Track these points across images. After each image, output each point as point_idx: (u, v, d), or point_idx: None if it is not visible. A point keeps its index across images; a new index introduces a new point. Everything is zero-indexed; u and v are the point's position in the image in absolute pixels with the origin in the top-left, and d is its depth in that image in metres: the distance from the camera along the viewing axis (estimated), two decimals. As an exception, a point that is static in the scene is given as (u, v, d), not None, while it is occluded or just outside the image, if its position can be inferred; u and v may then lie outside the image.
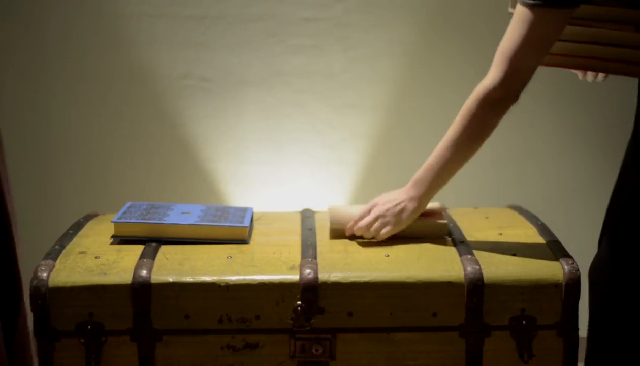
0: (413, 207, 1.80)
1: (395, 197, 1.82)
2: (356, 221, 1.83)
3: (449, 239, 1.85)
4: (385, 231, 1.80)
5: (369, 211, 1.83)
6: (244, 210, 1.96)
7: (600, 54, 1.73)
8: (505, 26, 1.71)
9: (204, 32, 2.50)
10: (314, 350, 1.71)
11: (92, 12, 2.48)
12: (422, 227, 1.85)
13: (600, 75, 1.81)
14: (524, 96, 2.63)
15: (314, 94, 2.53)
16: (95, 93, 2.54)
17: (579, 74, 1.84)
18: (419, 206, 1.80)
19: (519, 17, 1.64)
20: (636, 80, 1.78)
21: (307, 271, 1.70)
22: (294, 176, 2.55)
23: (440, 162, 1.78)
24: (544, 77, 2.52)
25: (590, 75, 1.82)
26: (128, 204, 1.96)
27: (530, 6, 1.62)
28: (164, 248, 1.80)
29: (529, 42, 1.64)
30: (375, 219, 1.81)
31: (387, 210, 1.81)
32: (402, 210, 1.80)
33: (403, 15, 2.49)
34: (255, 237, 1.89)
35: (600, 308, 1.76)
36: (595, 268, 1.79)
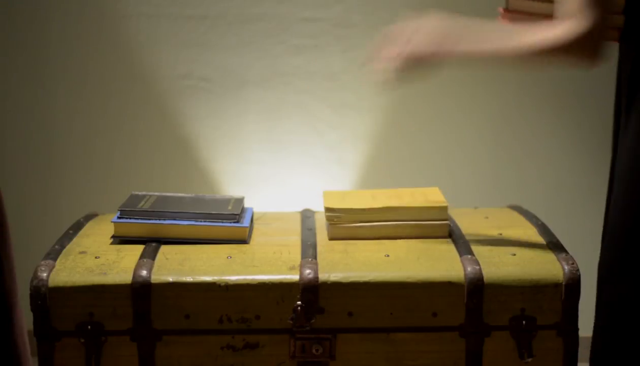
0: (432, 55, 1.65)
1: (425, 22, 1.69)
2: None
3: (449, 239, 1.85)
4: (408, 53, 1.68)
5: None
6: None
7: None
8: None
9: (204, 32, 2.50)
10: (314, 350, 1.71)
11: (92, 13, 2.49)
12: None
13: None
14: (525, 96, 2.64)
15: (314, 95, 2.53)
16: (96, 93, 2.54)
17: None
18: (441, 58, 1.66)
19: None
20: None
21: (307, 271, 1.70)
22: (294, 176, 2.55)
23: (492, 51, 1.62)
24: (544, 76, 2.53)
25: None
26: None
27: None
28: (164, 248, 1.80)
29: None
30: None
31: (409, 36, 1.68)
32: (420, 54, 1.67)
33: (403, 16, 2.49)
34: (255, 237, 1.89)
35: (609, 306, 1.76)
36: (602, 265, 1.80)
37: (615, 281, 1.73)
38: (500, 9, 1.76)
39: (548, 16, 1.64)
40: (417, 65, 1.68)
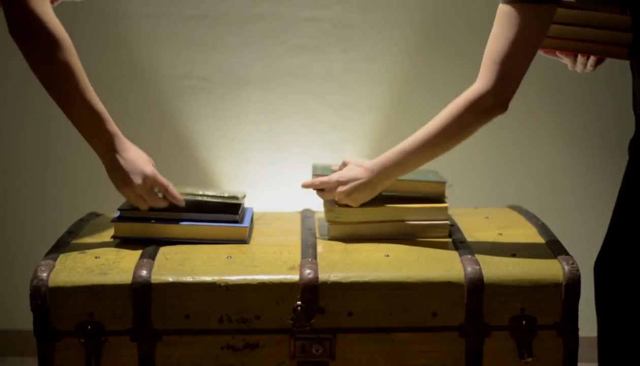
0: (369, 191, 1.82)
1: (356, 176, 1.82)
2: (319, 179, 1.87)
3: (449, 239, 1.85)
4: (338, 199, 1.85)
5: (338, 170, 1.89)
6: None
7: (587, 36, 1.75)
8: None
9: (204, 32, 2.50)
10: (314, 350, 1.71)
11: (92, 13, 2.49)
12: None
13: (589, 64, 1.80)
14: (524, 97, 2.64)
15: (314, 95, 2.53)
16: (95, 93, 2.54)
17: (568, 64, 1.84)
18: (375, 190, 1.82)
19: (506, 19, 1.63)
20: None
21: (307, 271, 1.70)
22: (294, 176, 2.55)
23: (410, 154, 1.77)
24: (544, 77, 2.54)
25: (579, 64, 1.81)
26: None
27: (517, 5, 1.61)
28: (164, 248, 1.80)
29: (519, 45, 1.63)
30: (335, 183, 1.84)
31: (345, 190, 1.83)
32: (357, 191, 1.82)
33: (403, 16, 2.49)
34: (255, 237, 1.89)
35: (608, 304, 1.76)
36: (600, 262, 1.80)
37: (612, 277, 1.73)
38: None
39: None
40: (357, 197, 1.83)
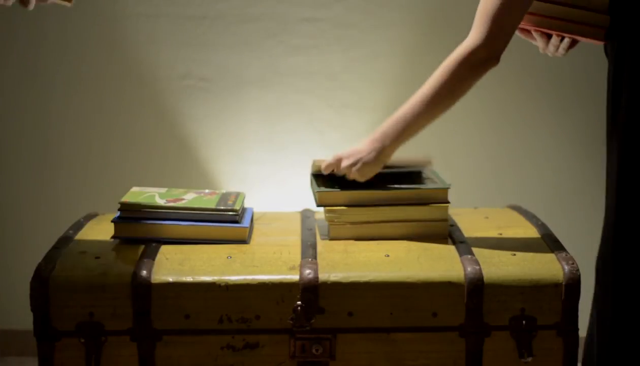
0: (374, 159, 1.83)
1: (359, 149, 1.84)
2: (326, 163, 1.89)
3: (449, 239, 1.85)
4: (346, 174, 1.86)
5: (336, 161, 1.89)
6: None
7: (568, 15, 1.77)
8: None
9: (203, 32, 2.50)
10: (314, 350, 1.71)
11: (91, 12, 2.49)
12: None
13: (562, 47, 1.82)
14: (525, 96, 2.64)
15: (313, 94, 2.53)
16: (94, 93, 2.54)
17: (540, 45, 1.85)
18: (381, 158, 1.83)
19: None
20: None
21: (307, 271, 1.70)
22: (294, 176, 2.55)
23: (411, 116, 1.79)
24: (544, 76, 2.54)
25: (551, 46, 1.83)
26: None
27: None
28: (164, 248, 1.80)
29: (510, 1, 1.69)
30: (337, 160, 1.87)
31: (350, 164, 1.84)
32: (364, 164, 1.83)
33: (403, 16, 2.49)
34: (255, 237, 1.89)
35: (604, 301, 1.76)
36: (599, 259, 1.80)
37: (610, 275, 1.73)
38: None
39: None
40: (364, 170, 1.85)
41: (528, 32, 1.84)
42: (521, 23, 1.78)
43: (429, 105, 1.77)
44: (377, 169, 1.85)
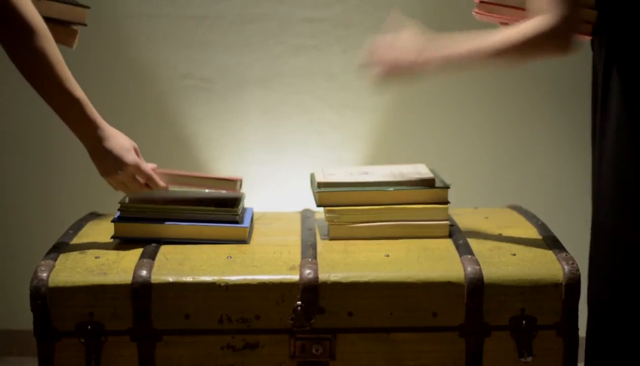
0: (408, 73, 1.77)
1: (402, 56, 1.78)
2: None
3: (449, 239, 1.85)
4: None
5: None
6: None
7: None
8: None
9: (204, 32, 2.50)
10: (314, 350, 1.71)
11: (92, 12, 2.48)
12: None
13: None
14: (525, 97, 2.64)
15: (313, 95, 2.53)
16: (95, 93, 2.53)
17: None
18: (413, 75, 1.77)
19: None
20: None
21: (307, 271, 1.70)
22: (294, 176, 2.55)
23: (462, 55, 1.72)
24: (543, 76, 2.53)
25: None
26: None
27: None
28: (164, 248, 1.80)
29: None
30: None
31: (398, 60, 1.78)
32: (398, 67, 1.78)
33: (402, 16, 2.49)
34: (255, 237, 1.89)
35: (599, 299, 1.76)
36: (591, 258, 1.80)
37: (604, 275, 1.73)
38: (476, 0, 1.79)
39: (519, 8, 1.70)
40: (398, 73, 1.78)
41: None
42: (507, 18, 1.76)
43: (481, 56, 1.69)
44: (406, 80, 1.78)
